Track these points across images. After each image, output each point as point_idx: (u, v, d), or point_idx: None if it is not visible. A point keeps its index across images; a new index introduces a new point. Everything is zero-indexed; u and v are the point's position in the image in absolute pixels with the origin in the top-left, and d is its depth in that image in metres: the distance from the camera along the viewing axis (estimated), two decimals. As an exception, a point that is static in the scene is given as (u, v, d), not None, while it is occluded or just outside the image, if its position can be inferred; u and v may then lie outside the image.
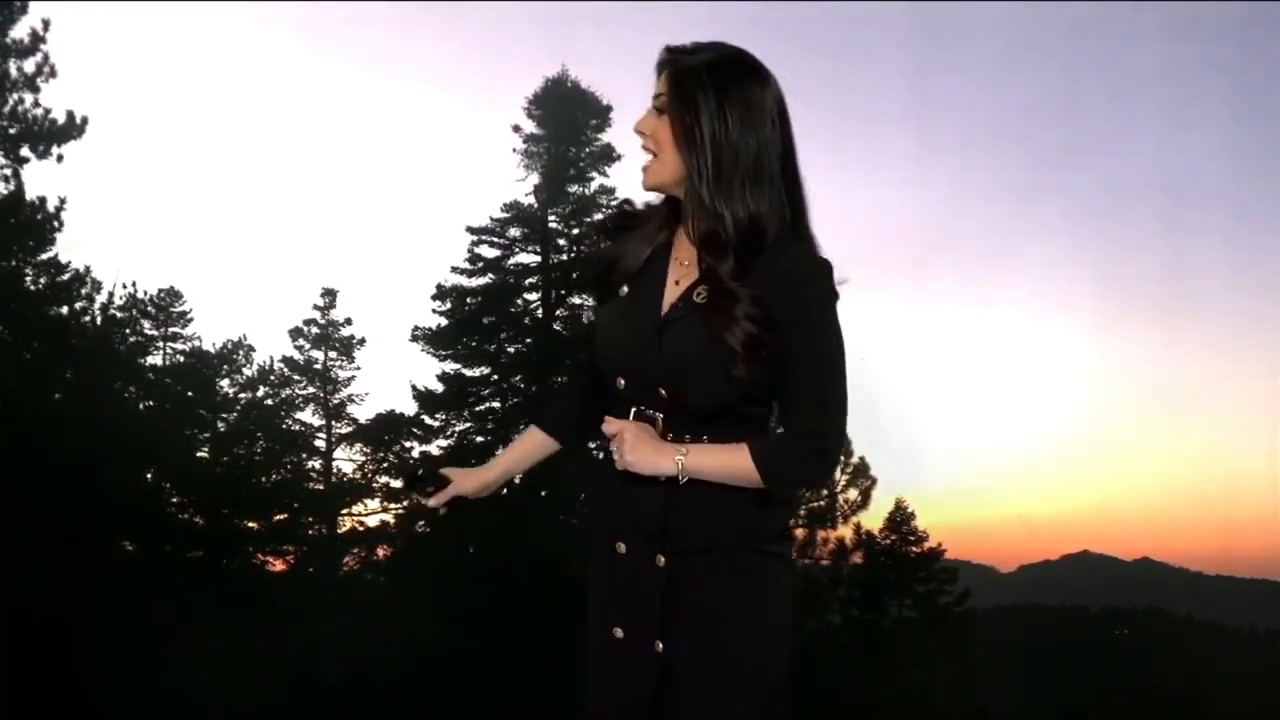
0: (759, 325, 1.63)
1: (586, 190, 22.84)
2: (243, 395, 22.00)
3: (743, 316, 1.63)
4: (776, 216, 1.69)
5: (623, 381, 1.74)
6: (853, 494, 19.72)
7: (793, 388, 1.68)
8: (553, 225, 22.84)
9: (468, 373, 22.47)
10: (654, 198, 1.83)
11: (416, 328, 22.34)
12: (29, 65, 15.08)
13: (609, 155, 22.83)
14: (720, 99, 1.66)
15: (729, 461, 1.67)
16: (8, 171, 15.06)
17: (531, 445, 1.98)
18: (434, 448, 22.48)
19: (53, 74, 15.21)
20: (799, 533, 19.65)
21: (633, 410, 1.72)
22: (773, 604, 1.73)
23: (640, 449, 1.67)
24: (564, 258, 22.85)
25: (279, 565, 20.95)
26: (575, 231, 22.88)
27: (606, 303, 1.81)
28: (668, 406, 1.70)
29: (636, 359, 1.72)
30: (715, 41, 1.71)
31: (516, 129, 22.79)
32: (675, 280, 1.75)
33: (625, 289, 1.78)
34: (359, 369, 23.58)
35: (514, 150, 22.80)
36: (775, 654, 1.73)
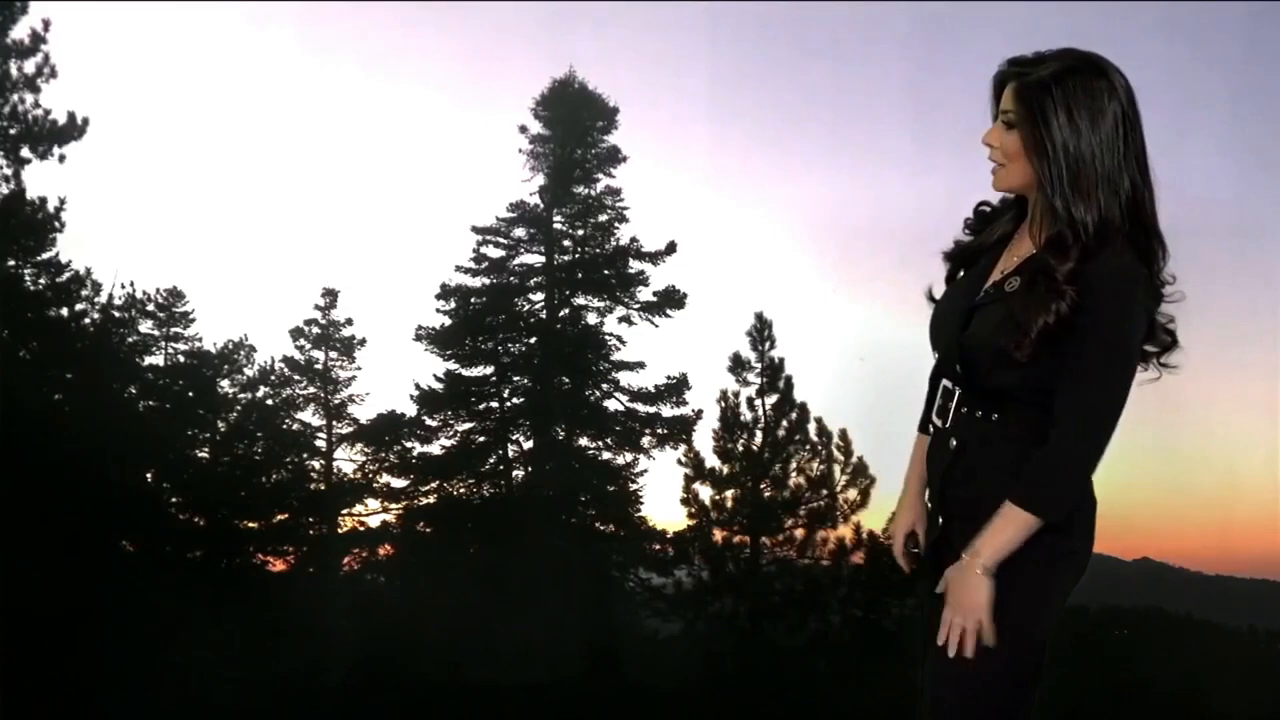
0: (1061, 324, 1.73)
1: (592, 191, 22.85)
2: (243, 395, 21.98)
3: (1054, 310, 1.73)
4: (1119, 219, 1.77)
5: (938, 356, 1.97)
6: (853, 494, 19.69)
7: (1062, 390, 1.77)
8: (558, 226, 22.84)
9: (469, 373, 22.47)
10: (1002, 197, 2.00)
11: (420, 327, 22.36)
12: (29, 65, 15.06)
13: (615, 156, 22.83)
14: (1070, 110, 1.76)
15: (1006, 528, 1.77)
16: (8, 172, 15.06)
17: (923, 452, 2.10)
18: (435, 448, 22.50)
19: (53, 74, 15.19)
20: (799, 533, 19.61)
21: (942, 384, 1.94)
22: (1034, 573, 1.80)
23: (960, 606, 1.77)
24: (568, 259, 22.85)
25: (279, 565, 20.94)
26: (580, 232, 22.88)
27: (947, 286, 2.01)
28: (962, 383, 1.88)
29: (947, 338, 1.91)
30: (1063, 49, 1.81)
31: (523, 129, 22.80)
32: (1001, 270, 1.91)
33: (961, 274, 1.99)
34: (360, 369, 23.58)
35: (520, 151, 22.81)
36: (1030, 620, 1.82)
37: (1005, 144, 1.85)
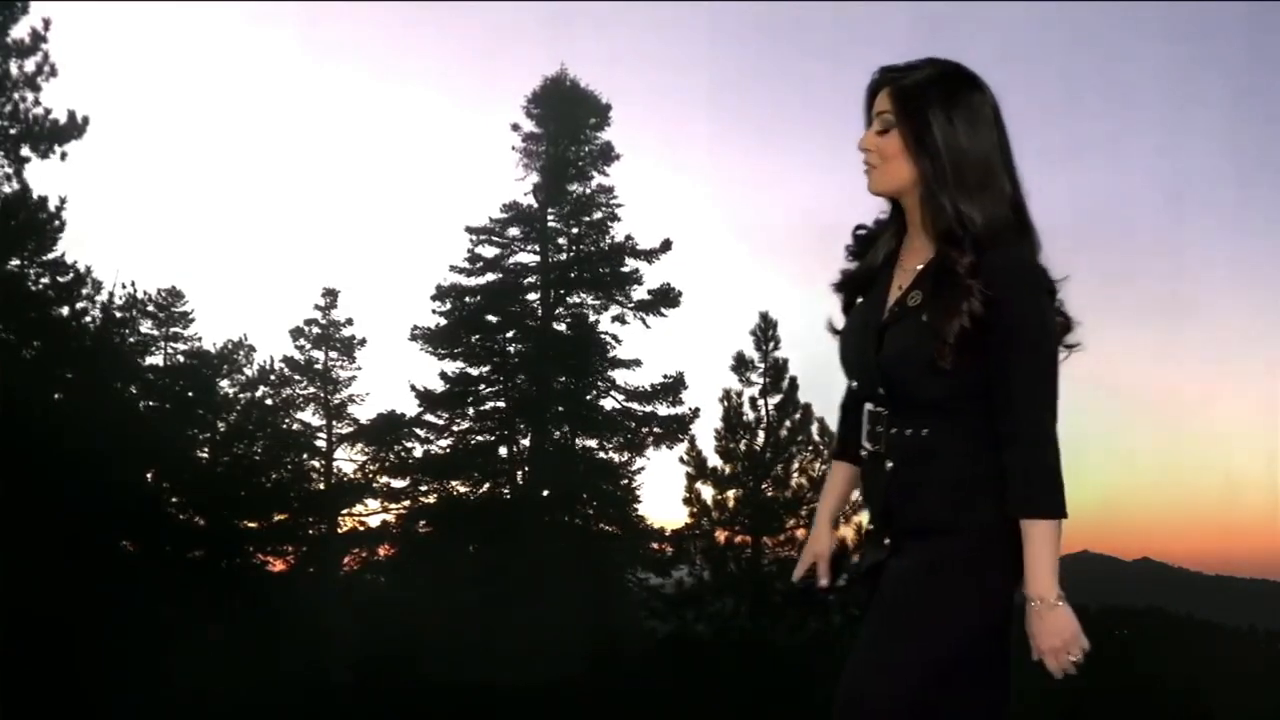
0: (975, 322, 1.74)
1: (586, 189, 22.83)
2: (243, 395, 22.00)
3: (966, 311, 1.74)
4: (1005, 215, 1.82)
5: (856, 383, 1.96)
6: (854, 494, 19.71)
7: (1005, 390, 1.77)
8: (552, 224, 22.81)
9: (468, 372, 22.45)
10: (880, 208, 1.99)
11: (416, 327, 22.33)
12: (30, 65, 15.06)
13: (608, 154, 22.81)
14: (948, 111, 1.81)
15: (1043, 549, 1.75)
16: (9, 171, 15.06)
17: (841, 479, 2.13)
18: (435, 448, 22.48)
19: (53, 73, 15.19)
20: (800, 533, 19.59)
21: (866, 409, 1.92)
22: (979, 580, 1.80)
23: (1043, 645, 1.75)
24: (563, 257, 22.84)
25: (279, 565, 20.94)
26: (575, 230, 22.86)
27: (846, 315, 2.02)
28: (888, 404, 1.88)
29: (863, 360, 1.91)
30: (930, 59, 1.87)
31: (515, 128, 22.78)
32: (899, 285, 1.91)
33: (860, 299, 1.98)
34: (360, 369, 23.62)
35: (513, 149, 22.80)
36: (967, 622, 1.80)
37: (882, 146, 1.86)
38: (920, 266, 1.87)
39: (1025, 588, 1.76)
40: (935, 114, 1.81)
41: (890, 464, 1.87)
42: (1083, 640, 1.74)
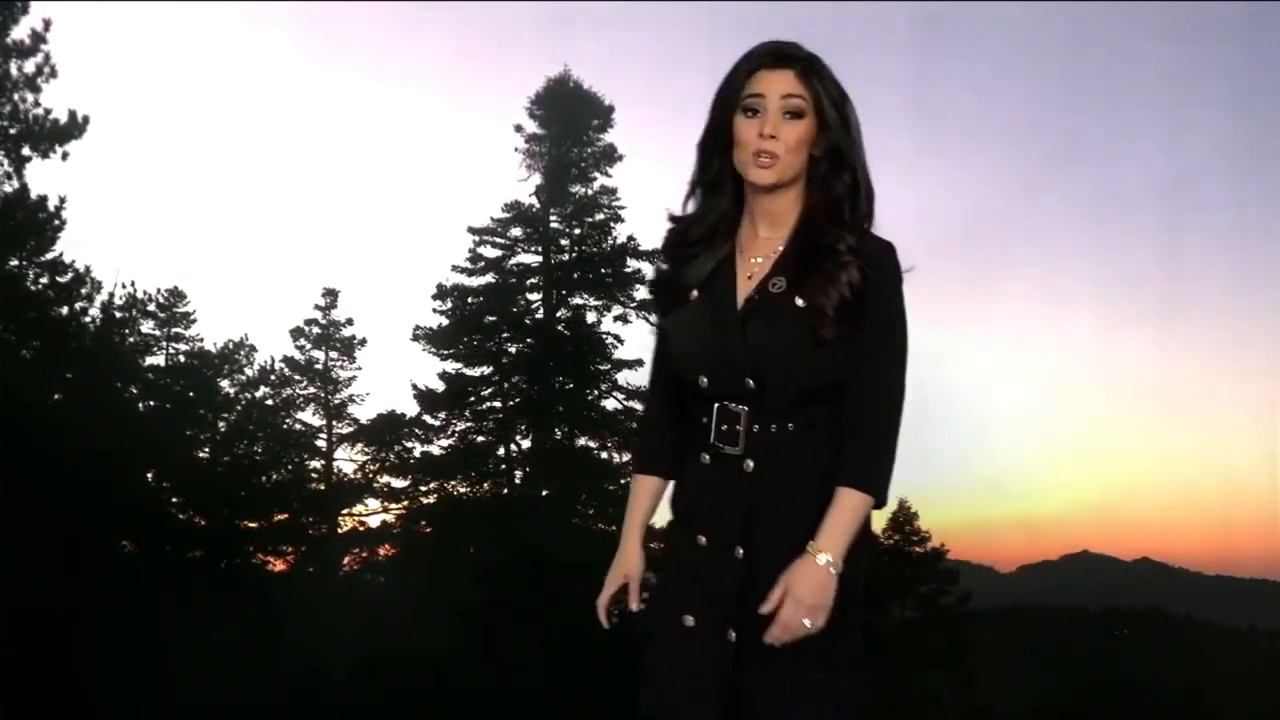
0: (855, 293, 1.72)
1: (588, 190, 22.85)
2: (243, 395, 22.01)
3: (846, 281, 1.72)
4: (871, 205, 1.83)
5: (705, 379, 1.79)
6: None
7: (859, 371, 1.75)
8: (554, 225, 22.84)
9: (469, 372, 22.46)
10: (690, 208, 1.90)
11: (417, 327, 22.36)
12: (30, 65, 15.08)
13: (611, 155, 22.83)
14: (847, 99, 1.80)
15: (848, 518, 1.72)
16: (9, 171, 15.07)
17: (651, 494, 1.97)
18: (435, 448, 22.50)
19: (54, 74, 15.20)
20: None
21: (716, 408, 1.78)
22: (847, 593, 1.74)
23: (807, 600, 1.68)
24: (565, 258, 22.85)
25: (279, 565, 20.97)
26: (577, 231, 22.88)
27: (672, 313, 1.86)
28: (753, 397, 1.75)
29: (719, 353, 1.78)
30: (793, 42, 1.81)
31: (519, 129, 22.81)
32: (748, 276, 1.81)
33: (695, 294, 1.83)
34: (360, 369, 23.61)
35: (516, 150, 22.82)
36: (850, 640, 1.78)
37: (787, 134, 1.76)
38: (773, 255, 1.81)
39: (816, 541, 1.69)
40: (844, 102, 1.79)
41: (750, 464, 1.76)
42: (822, 622, 1.70)
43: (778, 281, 1.77)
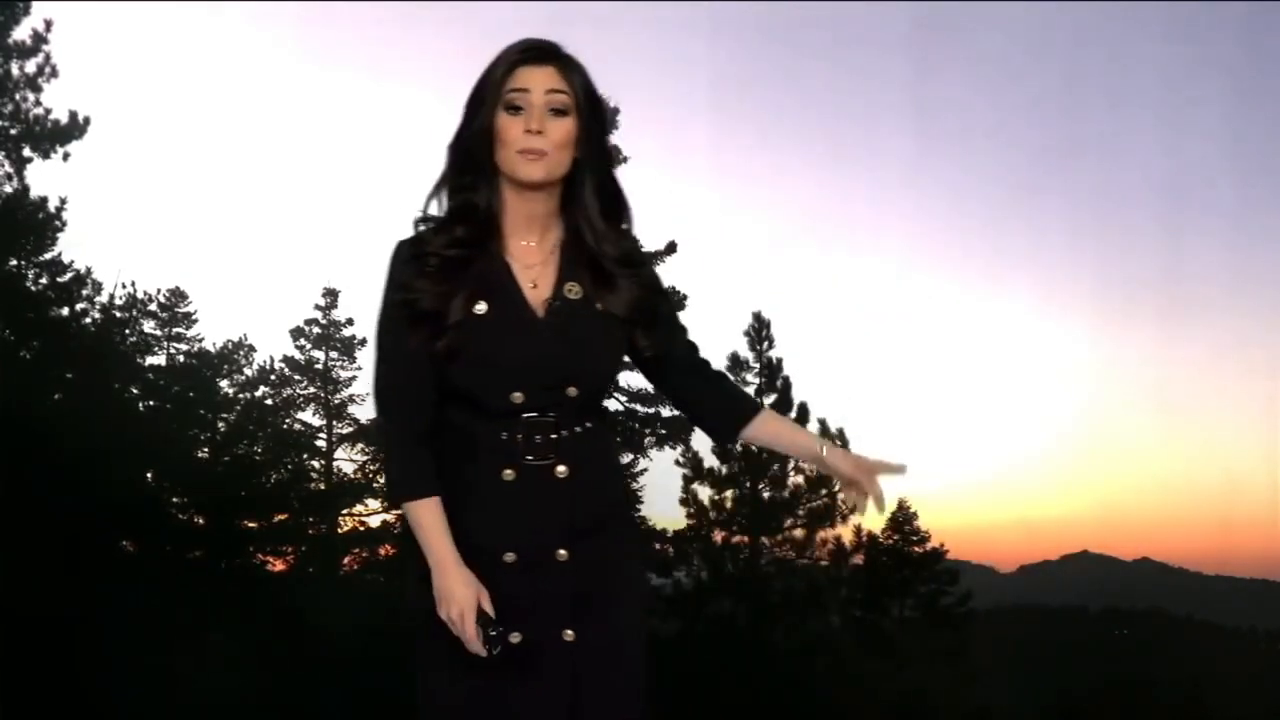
0: (647, 292, 1.81)
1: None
2: (243, 395, 22.02)
3: (638, 284, 1.80)
4: None
5: (520, 395, 1.71)
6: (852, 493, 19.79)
7: (685, 345, 1.93)
8: (555, 226, 22.84)
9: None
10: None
11: (417, 327, 22.33)
12: (31, 65, 15.09)
13: (615, 157, 22.83)
14: (599, 95, 1.83)
15: (790, 421, 2.15)
16: (10, 171, 15.09)
17: (443, 516, 1.79)
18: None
19: (54, 74, 15.21)
20: (798, 533, 19.61)
21: (526, 421, 1.72)
22: (643, 570, 1.93)
23: (865, 462, 1.91)
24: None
25: (279, 565, 20.95)
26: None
27: (449, 332, 1.70)
28: (565, 404, 1.74)
29: (540, 365, 1.71)
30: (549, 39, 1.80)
31: (520, 129, 22.79)
32: (532, 284, 1.76)
33: (483, 307, 1.71)
34: (360, 369, 23.59)
35: (515, 150, 22.81)
36: (644, 620, 1.88)
37: (554, 131, 1.72)
38: (549, 262, 1.77)
39: (809, 444, 1.97)
40: (604, 105, 1.86)
41: (563, 469, 1.73)
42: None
43: (572, 287, 1.76)
